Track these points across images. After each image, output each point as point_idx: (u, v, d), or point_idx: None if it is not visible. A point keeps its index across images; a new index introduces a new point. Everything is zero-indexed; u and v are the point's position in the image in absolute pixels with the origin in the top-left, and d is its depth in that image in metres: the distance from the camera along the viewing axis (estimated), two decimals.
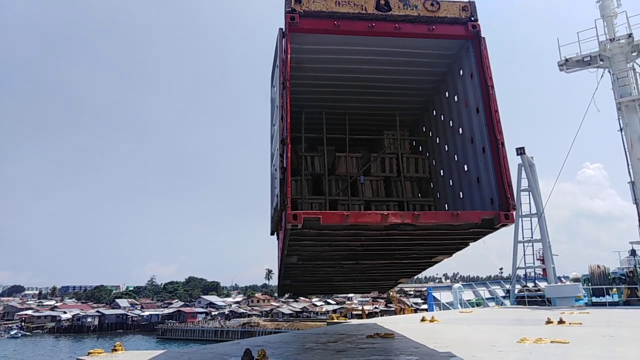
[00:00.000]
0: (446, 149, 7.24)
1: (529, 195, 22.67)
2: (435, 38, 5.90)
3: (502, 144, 5.29)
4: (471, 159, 6.17)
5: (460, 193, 6.68)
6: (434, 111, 7.76)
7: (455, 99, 6.70)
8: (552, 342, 6.75)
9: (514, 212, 5.11)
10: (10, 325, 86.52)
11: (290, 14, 5.32)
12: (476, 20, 5.74)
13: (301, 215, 4.64)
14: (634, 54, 19.68)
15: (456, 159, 6.82)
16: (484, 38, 5.69)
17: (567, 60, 20.92)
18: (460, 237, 5.92)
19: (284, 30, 5.45)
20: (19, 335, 78.83)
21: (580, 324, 9.74)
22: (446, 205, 7.32)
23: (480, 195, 5.84)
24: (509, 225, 5.20)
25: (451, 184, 7.11)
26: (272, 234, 7.36)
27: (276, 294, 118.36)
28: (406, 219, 5.01)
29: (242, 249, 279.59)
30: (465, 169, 6.43)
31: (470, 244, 6.45)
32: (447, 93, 7.10)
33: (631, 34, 19.50)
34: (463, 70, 6.33)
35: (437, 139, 7.67)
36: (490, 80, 5.51)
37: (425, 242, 6.10)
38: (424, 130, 8.41)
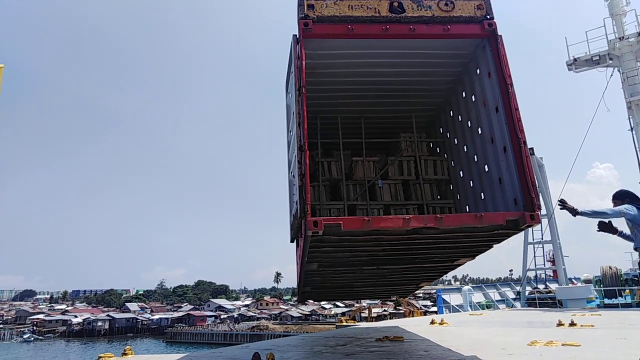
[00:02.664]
0: (465, 149, 7.13)
1: (539, 196, 22.46)
2: (451, 38, 5.82)
3: (524, 142, 5.17)
4: (492, 159, 6.04)
5: (482, 194, 6.55)
6: (451, 112, 7.65)
7: (473, 98, 6.59)
8: (563, 344, 6.66)
9: (539, 212, 4.98)
10: (22, 329, 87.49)
11: (304, 21, 5.30)
12: (492, 18, 5.64)
13: (322, 222, 4.56)
14: None
15: (476, 160, 6.70)
16: (500, 36, 5.59)
17: (575, 59, 20.74)
18: (484, 239, 5.80)
19: (297, 36, 5.44)
20: (32, 339, 79.67)
21: (592, 326, 9.60)
22: (467, 207, 7.20)
23: (503, 196, 5.73)
24: (535, 225, 5.10)
25: (472, 185, 6.98)
26: (292, 241, 7.28)
27: (285, 297, 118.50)
28: (429, 223, 4.91)
29: (250, 253, 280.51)
30: (486, 169, 6.31)
31: (494, 245, 6.30)
32: (464, 93, 7.00)
33: None
34: (480, 69, 6.22)
35: (456, 139, 7.57)
36: (509, 79, 5.39)
37: (448, 245, 5.98)
38: (441, 131, 8.30)
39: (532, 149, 22.53)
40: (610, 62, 19.98)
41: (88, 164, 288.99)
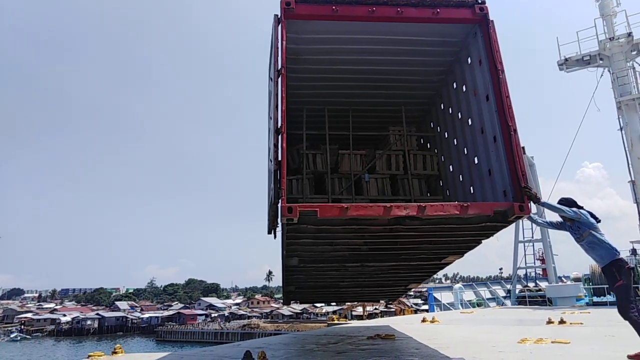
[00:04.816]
0: (455, 143, 6.94)
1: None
2: (440, 22, 5.64)
3: (515, 130, 5.02)
4: (482, 150, 5.87)
5: (471, 188, 6.38)
6: (442, 105, 7.45)
7: (464, 88, 6.41)
8: (553, 342, 6.70)
9: (530, 203, 4.79)
10: (9, 329, 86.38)
11: (286, 0, 5.10)
12: (483, 2, 5.47)
13: (297, 208, 4.33)
14: (634, 52, 19.65)
15: (466, 152, 6.52)
16: (492, 21, 5.43)
17: (566, 59, 20.89)
18: (471, 233, 5.63)
19: (279, 16, 5.22)
20: (19, 338, 78.62)
21: (582, 324, 9.70)
22: (456, 202, 6.95)
23: (492, 188, 5.56)
24: (524, 217, 4.93)
25: (461, 179, 6.79)
26: (269, 232, 7.02)
27: (276, 296, 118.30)
28: (411, 211, 4.66)
29: (241, 251, 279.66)
30: (476, 161, 6.13)
31: (483, 241, 6.15)
32: (455, 84, 6.81)
33: (630, 32, 19.47)
34: (471, 57, 6.08)
35: (446, 133, 7.37)
36: (500, 65, 5.24)
37: (433, 239, 5.81)
38: (432, 125, 8.12)
39: (523, 147, 22.59)
40: (601, 62, 20.16)
41: (77, 160, 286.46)
